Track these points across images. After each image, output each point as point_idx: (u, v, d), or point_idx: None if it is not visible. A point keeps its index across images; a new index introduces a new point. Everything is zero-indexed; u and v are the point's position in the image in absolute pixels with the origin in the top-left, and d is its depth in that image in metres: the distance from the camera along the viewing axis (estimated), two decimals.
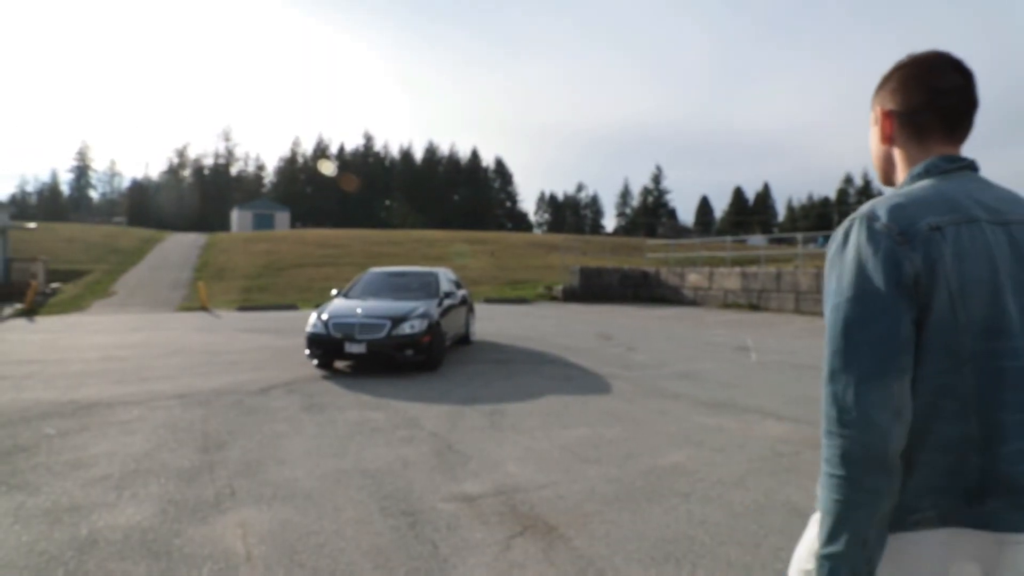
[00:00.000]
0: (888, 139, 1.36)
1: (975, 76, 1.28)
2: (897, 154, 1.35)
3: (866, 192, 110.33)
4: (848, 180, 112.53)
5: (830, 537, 1.14)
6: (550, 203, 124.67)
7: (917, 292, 1.13)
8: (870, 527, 1.12)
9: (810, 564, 1.26)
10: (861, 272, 1.15)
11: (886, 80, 1.36)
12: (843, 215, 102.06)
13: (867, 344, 1.13)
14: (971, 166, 1.29)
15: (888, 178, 1.39)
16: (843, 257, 1.19)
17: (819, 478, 1.20)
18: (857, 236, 1.18)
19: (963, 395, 1.15)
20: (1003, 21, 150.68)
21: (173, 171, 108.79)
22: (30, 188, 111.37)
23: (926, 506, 1.17)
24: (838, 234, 1.22)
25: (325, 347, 8.69)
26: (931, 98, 1.28)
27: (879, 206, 1.20)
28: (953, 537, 1.17)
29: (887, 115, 1.35)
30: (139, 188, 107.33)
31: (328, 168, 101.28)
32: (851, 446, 1.12)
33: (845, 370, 1.13)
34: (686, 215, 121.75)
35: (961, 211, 1.17)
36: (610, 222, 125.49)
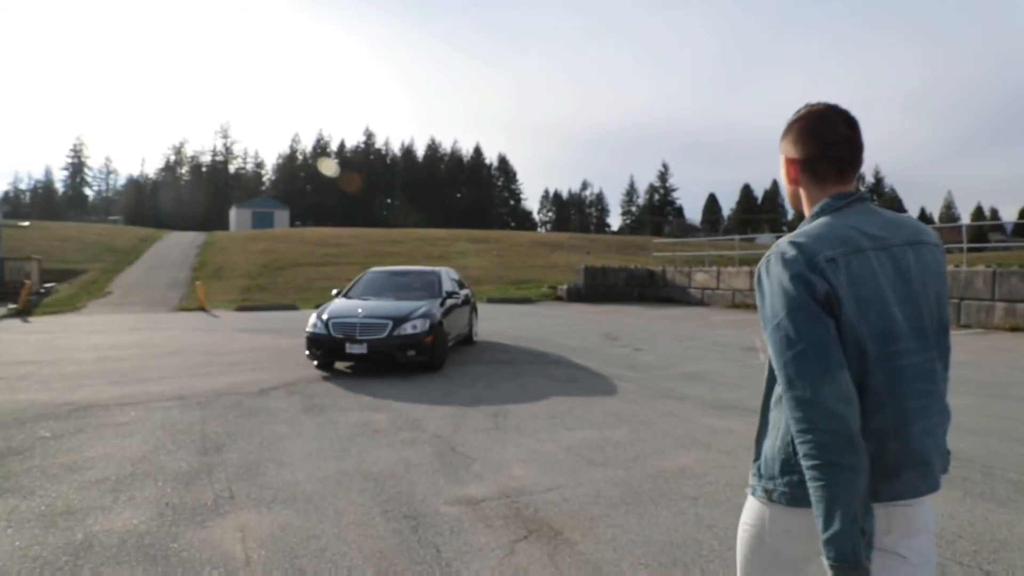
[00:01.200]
0: (793, 181, 1.62)
1: (860, 125, 1.55)
2: (802, 193, 1.61)
3: (877, 190, 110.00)
4: (859, 178, 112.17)
5: (826, 522, 1.29)
6: (554, 201, 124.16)
7: (830, 307, 1.38)
8: (857, 502, 1.28)
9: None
10: (787, 294, 1.39)
11: (787, 131, 1.60)
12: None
13: (809, 349, 1.34)
14: (860, 198, 1.54)
15: (798, 209, 1.64)
16: (769, 286, 1.44)
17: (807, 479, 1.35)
18: (775, 267, 1.43)
19: (876, 392, 1.39)
20: (1010, 16, 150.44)
21: (170, 168, 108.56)
22: (24, 186, 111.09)
23: None
24: (760, 268, 1.47)
25: (326, 348, 8.62)
26: (823, 149, 1.54)
27: (786, 244, 1.45)
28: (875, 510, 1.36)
29: (790, 162, 1.61)
30: (135, 186, 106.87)
31: (330, 168, 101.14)
32: (822, 436, 1.30)
33: (799, 375, 1.34)
34: (693, 213, 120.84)
35: (850, 244, 1.43)
36: (615, 220, 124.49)
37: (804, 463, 1.34)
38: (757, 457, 1.58)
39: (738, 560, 1.66)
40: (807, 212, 1.58)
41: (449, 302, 10.03)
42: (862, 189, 1.57)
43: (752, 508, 1.60)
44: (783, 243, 1.46)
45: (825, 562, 1.30)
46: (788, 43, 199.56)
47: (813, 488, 1.32)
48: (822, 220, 1.50)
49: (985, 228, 68.43)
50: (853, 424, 1.31)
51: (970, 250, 18.65)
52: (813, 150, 1.54)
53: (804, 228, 1.50)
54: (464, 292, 11.60)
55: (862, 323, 1.38)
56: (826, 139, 1.53)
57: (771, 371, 1.53)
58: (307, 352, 8.86)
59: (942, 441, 1.49)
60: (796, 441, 1.36)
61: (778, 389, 1.49)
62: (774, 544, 1.56)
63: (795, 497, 1.46)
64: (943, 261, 1.55)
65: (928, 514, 1.49)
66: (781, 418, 1.49)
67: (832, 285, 1.37)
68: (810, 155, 1.55)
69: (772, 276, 1.43)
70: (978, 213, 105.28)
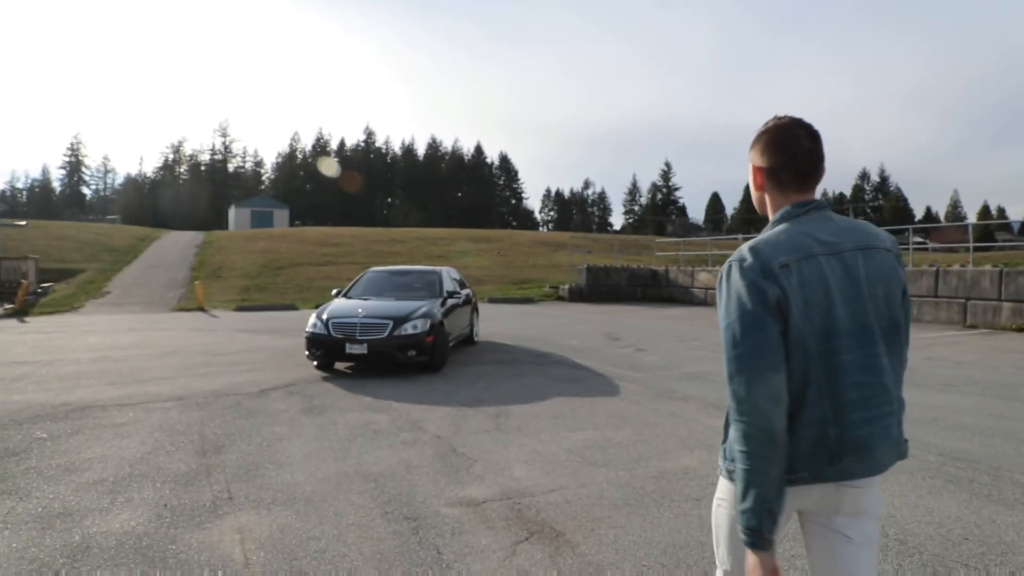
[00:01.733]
0: (760, 188, 1.76)
1: (821, 138, 1.69)
2: (767, 198, 1.75)
3: (882, 188, 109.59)
4: (864, 176, 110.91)
5: (743, 496, 1.52)
6: (556, 200, 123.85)
7: (780, 311, 1.53)
8: (769, 486, 1.50)
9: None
10: (740, 300, 1.55)
11: (755, 142, 1.74)
12: (858, 212, 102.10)
13: (749, 352, 1.52)
14: (818, 207, 1.67)
15: (763, 213, 1.78)
16: (728, 290, 1.59)
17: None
18: (735, 274, 1.58)
19: (817, 383, 1.55)
20: (1016, 12, 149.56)
21: (169, 167, 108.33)
22: (21, 184, 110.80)
23: (801, 468, 1.57)
24: (722, 272, 1.62)
25: (325, 348, 8.58)
26: (787, 160, 1.67)
27: (746, 251, 1.60)
28: (815, 489, 1.61)
29: (757, 170, 1.75)
30: (133, 185, 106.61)
31: (330, 168, 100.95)
32: (748, 428, 1.51)
33: (738, 372, 1.53)
34: (696, 212, 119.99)
35: (803, 250, 1.58)
36: (618, 220, 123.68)
37: (733, 446, 1.57)
38: (724, 440, 1.70)
39: (713, 533, 1.82)
40: (771, 216, 1.74)
41: (450, 302, 9.99)
42: (820, 199, 1.72)
43: (722, 486, 1.76)
44: (744, 250, 1.61)
45: (738, 527, 1.55)
46: (791, 40, 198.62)
47: (736, 468, 1.55)
48: (781, 227, 1.65)
49: (992, 227, 68.28)
50: (776, 422, 1.50)
51: (976, 249, 18.60)
52: (778, 160, 1.69)
53: (764, 235, 1.66)
54: (465, 292, 11.57)
55: (807, 322, 1.54)
56: (790, 151, 1.67)
57: None
58: (307, 352, 8.82)
59: (894, 430, 1.62)
60: (730, 427, 1.59)
61: None
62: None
63: None
64: (894, 264, 1.67)
65: (875, 498, 1.66)
66: None
67: (783, 289, 1.54)
68: (775, 165, 1.69)
69: (731, 282, 1.59)
70: (985, 212, 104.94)
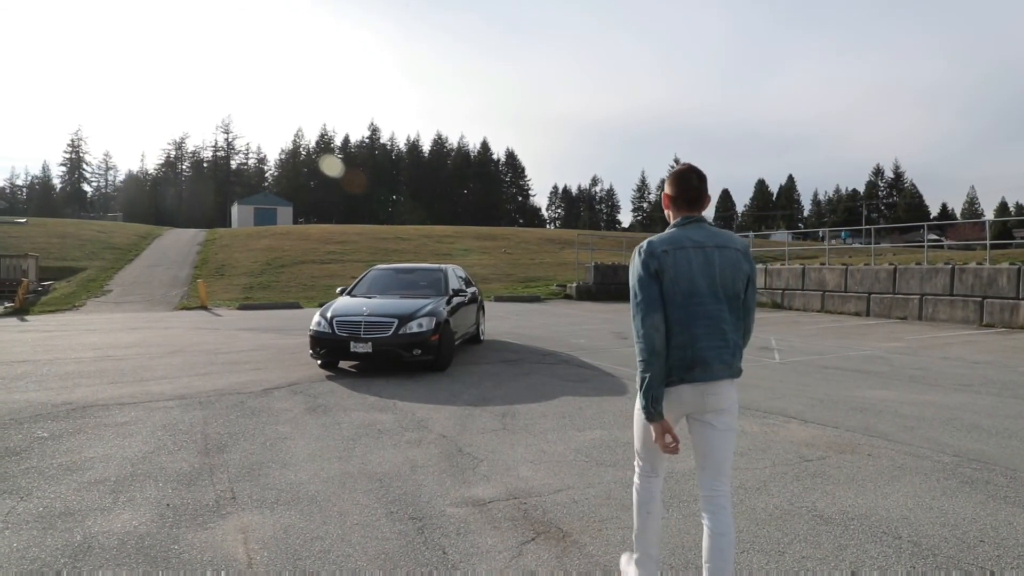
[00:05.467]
0: (667, 207, 2.73)
1: (706, 178, 2.68)
2: (670, 213, 2.71)
3: (897, 185, 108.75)
4: (878, 172, 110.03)
5: (639, 387, 2.49)
6: (563, 197, 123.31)
7: (659, 277, 2.50)
8: (654, 380, 2.44)
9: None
10: (637, 270, 2.55)
11: (667, 179, 2.71)
12: (872, 209, 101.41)
13: (643, 301, 2.49)
14: (697, 220, 2.63)
15: (669, 221, 2.71)
16: (633, 264, 2.60)
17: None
18: (635, 255, 2.59)
19: (682, 322, 2.48)
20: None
21: (171, 164, 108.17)
22: (20, 181, 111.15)
23: (673, 375, 2.49)
24: (634, 251, 2.61)
25: (329, 346, 8.53)
26: (681, 192, 2.65)
27: (645, 242, 2.59)
28: (683, 388, 2.51)
29: (665, 196, 2.72)
30: (135, 182, 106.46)
31: (332, 167, 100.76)
32: (641, 345, 2.47)
33: (636, 313, 2.50)
34: (707, 209, 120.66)
35: (678, 243, 2.54)
36: (626, 217, 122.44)
37: (636, 357, 2.52)
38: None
39: (634, 429, 2.79)
40: (671, 223, 2.68)
41: (456, 300, 9.93)
42: (702, 215, 2.69)
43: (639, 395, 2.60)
44: (644, 241, 2.61)
45: (639, 408, 2.55)
46: (803, 35, 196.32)
47: (638, 375, 2.50)
48: (671, 230, 2.62)
49: (1010, 224, 67.79)
50: (658, 342, 2.44)
51: (993, 247, 18.39)
52: (675, 192, 2.66)
53: (661, 234, 2.62)
54: (471, 290, 11.52)
55: (675, 286, 2.49)
56: (683, 187, 2.65)
57: None
58: (311, 351, 8.78)
59: (727, 357, 2.51)
60: (634, 343, 2.53)
61: None
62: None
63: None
64: (741, 259, 2.59)
65: (729, 401, 2.56)
66: None
67: (661, 264, 2.50)
68: (673, 194, 2.67)
69: (634, 259, 2.59)
70: (1003, 208, 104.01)
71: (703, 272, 2.49)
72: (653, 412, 2.45)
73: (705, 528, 2.58)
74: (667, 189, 2.70)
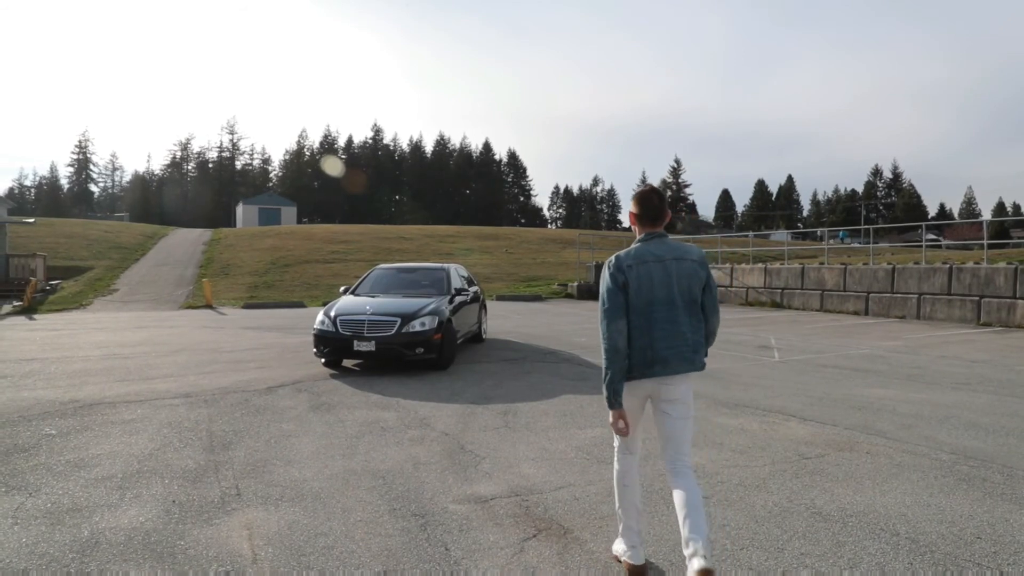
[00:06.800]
0: (632, 223, 3.06)
1: (665, 197, 3.08)
2: (635, 229, 3.05)
3: (895, 185, 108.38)
4: (876, 172, 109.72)
5: (603, 380, 2.86)
6: (565, 197, 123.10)
7: (624, 289, 2.88)
8: (615, 376, 2.84)
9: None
10: (606, 281, 2.92)
11: (633, 198, 3.07)
12: (871, 209, 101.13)
13: (610, 307, 2.86)
14: (659, 236, 3.00)
15: (636, 235, 3.07)
16: (603, 275, 2.97)
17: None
18: (605, 268, 2.95)
19: (643, 327, 2.87)
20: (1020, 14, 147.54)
21: (176, 165, 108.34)
22: (28, 182, 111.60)
23: (634, 371, 2.89)
24: (605, 264, 2.96)
25: (333, 345, 8.58)
26: (644, 211, 3.00)
27: (613, 257, 2.95)
28: (645, 382, 2.93)
29: (631, 213, 3.06)
30: (141, 182, 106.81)
31: (334, 167, 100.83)
32: (607, 345, 2.85)
33: (603, 318, 2.87)
34: (706, 209, 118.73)
35: (642, 258, 2.91)
36: (627, 217, 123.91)
37: (602, 356, 2.88)
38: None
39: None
40: (637, 237, 3.04)
41: (458, 299, 9.97)
42: (663, 230, 3.06)
43: None
44: (612, 256, 2.97)
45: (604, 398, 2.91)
46: (803, 35, 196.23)
47: (603, 370, 2.87)
48: (636, 245, 2.98)
49: (1007, 224, 67.61)
50: (620, 343, 2.83)
51: (991, 246, 18.39)
52: (639, 211, 3.01)
53: (628, 249, 2.98)
54: (473, 289, 11.54)
55: (638, 296, 2.87)
56: (646, 206, 3.00)
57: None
58: (314, 350, 8.83)
59: (687, 354, 2.90)
60: (601, 344, 2.90)
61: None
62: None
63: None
64: (697, 268, 2.95)
65: (683, 392, 2.95)
66: None
67: (627, 277, 2.88)
68: (638, 212, 3.02)
69: (604, 272, 2.97)
70: (1000, 209, 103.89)
71: (662, 283, 2.88)
72: (613, 401, 2.86)
73: (675, 490, 2.90)
74: (632, 208, 3.04)
